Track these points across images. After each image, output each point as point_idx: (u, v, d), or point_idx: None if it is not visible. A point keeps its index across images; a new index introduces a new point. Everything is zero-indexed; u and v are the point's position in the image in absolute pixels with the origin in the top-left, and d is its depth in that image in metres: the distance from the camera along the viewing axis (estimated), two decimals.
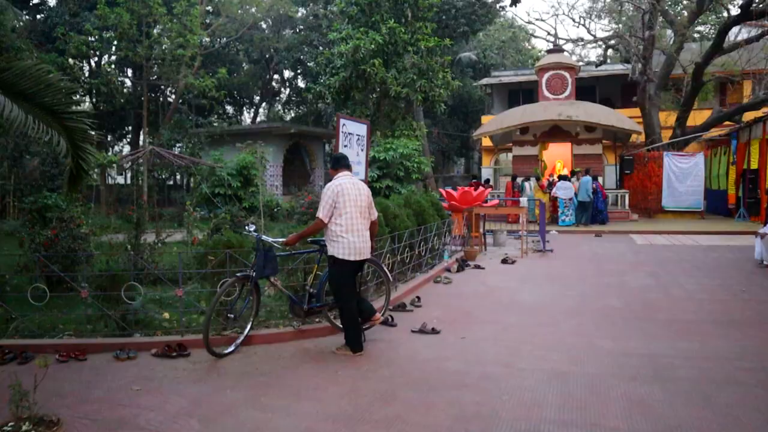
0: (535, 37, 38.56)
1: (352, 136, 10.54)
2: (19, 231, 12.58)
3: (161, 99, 34.66)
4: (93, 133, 8.26)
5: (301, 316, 6.38)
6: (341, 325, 6.15)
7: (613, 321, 7.25)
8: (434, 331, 6.76)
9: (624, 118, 22.39)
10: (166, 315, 7.18)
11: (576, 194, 19.95)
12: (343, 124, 10.15)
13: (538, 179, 21.73)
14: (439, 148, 35.25)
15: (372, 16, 19.40)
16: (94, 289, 6.86)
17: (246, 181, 20.85)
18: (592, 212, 20.15)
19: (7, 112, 7.06)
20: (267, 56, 36.38)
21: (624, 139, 24.83)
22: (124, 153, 34.45)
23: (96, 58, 30.48)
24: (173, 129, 27.31)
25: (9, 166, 22.35)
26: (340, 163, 6.22)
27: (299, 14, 34.94)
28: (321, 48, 25.21)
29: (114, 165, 20.83)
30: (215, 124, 36.08)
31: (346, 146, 10.28)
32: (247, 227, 6.44)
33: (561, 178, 20.63)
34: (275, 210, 22.25)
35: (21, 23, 26.62)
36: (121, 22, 20.64)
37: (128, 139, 36.46)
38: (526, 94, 29.15)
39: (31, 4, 28.96)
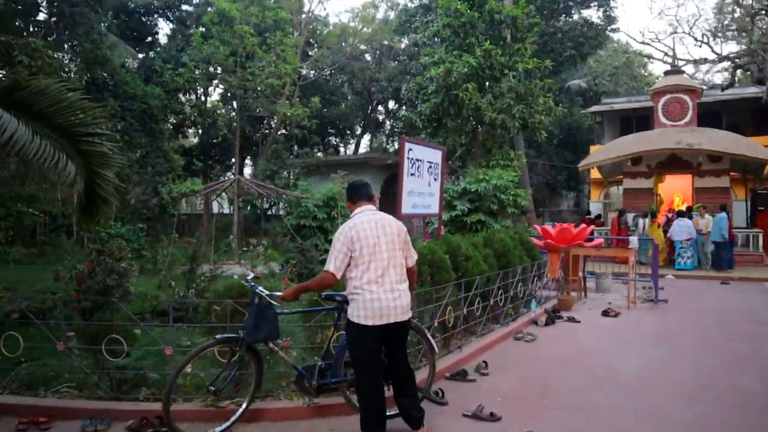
0: (652, 59, 35.35)
1: (422, 163, 9.00)
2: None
3: (266, 130, 34.82)
4: (117, 156, 7.27)
5: (311, 394, 4.84)
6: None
7: (750, 415, 5.17)
8: (492, 418, 5.01)
9: (757, 147, 19.29)
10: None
11: (699, 233, 17.24)
12: (409, 149, 8.63)
13: (653, 215, 19.06)
14: (544, 181, 32.88)
15: (466, 38, 17.92)
16: (85, 340, 5.74)
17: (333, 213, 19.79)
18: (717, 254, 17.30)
19: (11, 131, 6.22)
20: (370, 87, 35.77)
21: (756, 171, 21.57)
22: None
23: (201, 91, 30.93)
24: (270, 159, 26.96)
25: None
26: (359, 194, 4.60)
27: (403, 44, 34.05)
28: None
29: (198, 194, 20.33)
30: (319, 155, 35.80)
31: (413, 175, 8.76)
32: (247, 275, 5.03)
33: (678, 214, 17.96)
34: None
35: (135, 60, 27.45)
36: (215, 54, 20.47)
37: (234, 170, 36.89)
38: (640, 121, 26.36)
39: (146, 41, 29.91)
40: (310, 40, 30.64)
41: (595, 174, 25.21)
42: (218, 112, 28.18)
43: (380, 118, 41.48)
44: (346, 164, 26.41)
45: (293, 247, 13.86)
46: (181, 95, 28.96)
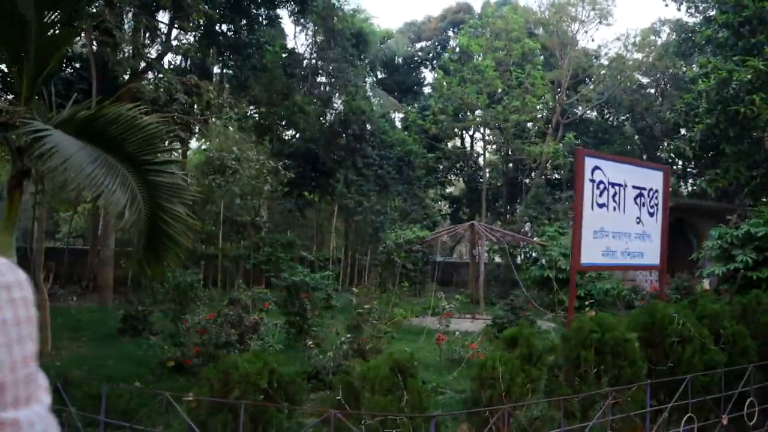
0: None
1: (621, 188, 5.89)
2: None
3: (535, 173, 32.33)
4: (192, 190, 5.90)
5: None
6: None
7: None
8: None
9: None
10: None
11: None
12: (594, 168, 5.63)
13: None
14: None
15: (752, 37, 13.43)
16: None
17: None
18: None
19: (60, 159, 5.43)
20: (653, 122, 30.90)
21: None
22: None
23: (468, 135, 29.85)
24: (530, 205, 24.34)
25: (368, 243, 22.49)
26: None
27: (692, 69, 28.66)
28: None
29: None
30: None
31: (603, 206, 5.71)
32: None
33: None
34: (628, 298, 16.97)
35: (398, 111, 27.63)
36: (455, 93, 18.99)
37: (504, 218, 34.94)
38: None
39: (411, 92, 30.08)
40: (578, 73, 27.44)
41: None
42: (479, 156, 26.67)
43: (672, 157, 35.68)
44: None
45: (504, 303, 11.21)
46: (448, 142, 28.32)
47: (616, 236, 5.80)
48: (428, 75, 30.59)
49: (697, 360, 4.71)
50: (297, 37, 24.02)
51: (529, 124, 25.92)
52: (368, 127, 23.48)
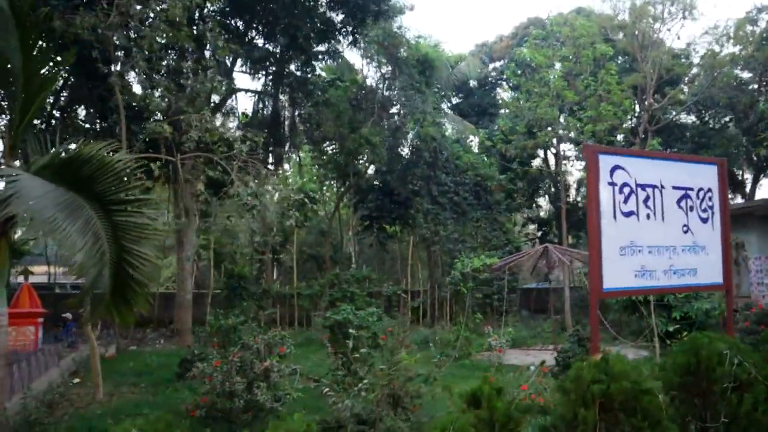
0: None
1: (656, 190, 4.64)
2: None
3: None
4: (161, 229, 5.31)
5: None
6: None
7: None
8: None
9: None
10: None
11: None
12: (613, 167, 4.43)
13: None
14: None
15: None
16: None
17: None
18: None
19: (20, 207, 5.04)
20: (756, 120, 27.79)
21: None
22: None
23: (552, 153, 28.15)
24: None
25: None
26: None
27: None
28: None
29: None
30: None
31: (629, 215, 4.48)
32: None
33: None
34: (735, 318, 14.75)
35: (473, 134, 26.59)
36: (522, 109, 17.73)
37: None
38: None
39: (487, 114, 28.92)
40: (662, 75, 25.17)
41: None
42: (565, 174, 24.92)
43: None
44: None
45: (569, 334, 9.75)
46: (531, 161, 26.79)
47: (655, 251, 4.51)
48: (504, 95, 29.29)
49: (761, 414, 3.41)
50: (363, 69, 23.65)
51: (620, 137, 23.89)
52: (443, 154, 22.57)
